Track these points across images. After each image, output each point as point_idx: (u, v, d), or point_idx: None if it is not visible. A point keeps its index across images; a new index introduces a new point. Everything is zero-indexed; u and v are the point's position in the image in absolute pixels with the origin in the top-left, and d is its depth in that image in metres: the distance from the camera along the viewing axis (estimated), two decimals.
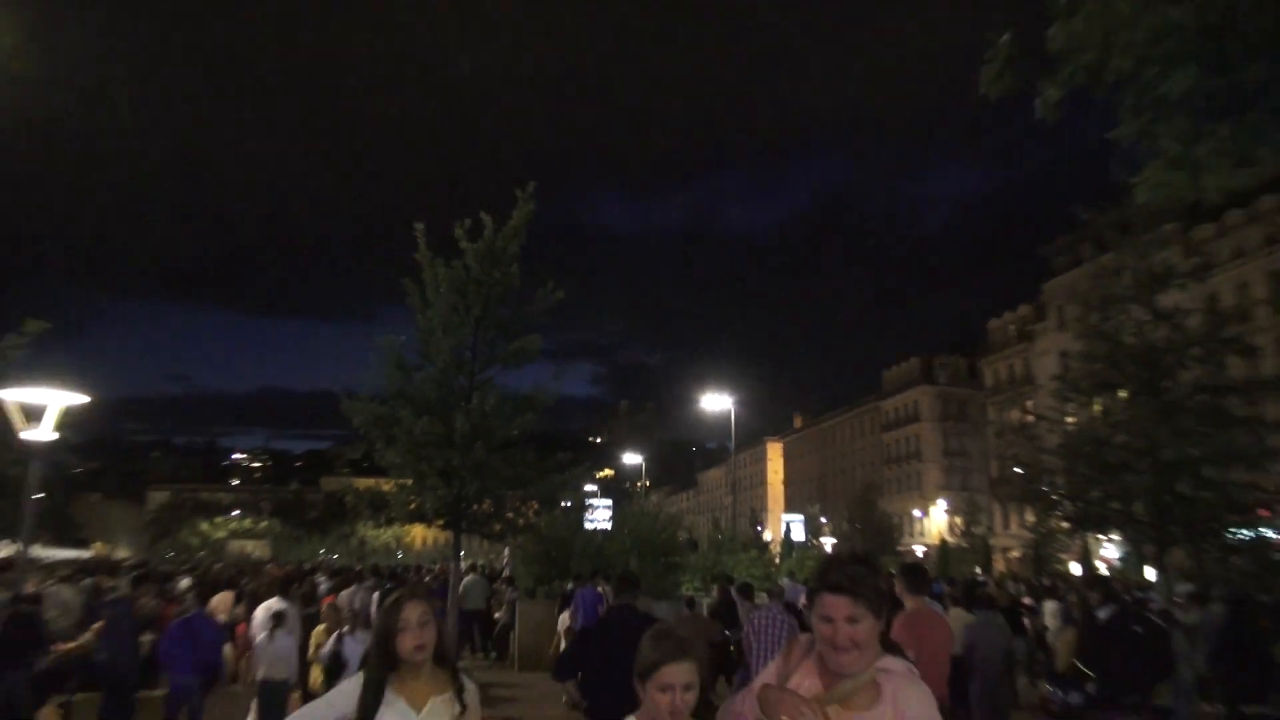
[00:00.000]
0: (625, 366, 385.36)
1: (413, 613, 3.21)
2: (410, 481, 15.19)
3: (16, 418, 11.72)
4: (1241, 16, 4.74)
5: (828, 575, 2.48)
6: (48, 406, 11.81)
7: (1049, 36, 5.41)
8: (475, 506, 15.28)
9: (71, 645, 12.99)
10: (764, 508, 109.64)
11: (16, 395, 11.93)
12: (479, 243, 14.80)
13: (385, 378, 15.18)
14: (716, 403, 39.16)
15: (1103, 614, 8.77)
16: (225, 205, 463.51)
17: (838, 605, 2.40)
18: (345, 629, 10.13)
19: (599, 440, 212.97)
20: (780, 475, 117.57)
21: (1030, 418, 22.44)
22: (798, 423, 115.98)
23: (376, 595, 16.47)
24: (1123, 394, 17.43)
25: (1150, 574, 22.35)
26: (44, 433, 11.83)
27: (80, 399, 12.34)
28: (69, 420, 12.64)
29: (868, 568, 2.49)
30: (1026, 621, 19.02)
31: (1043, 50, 5.46)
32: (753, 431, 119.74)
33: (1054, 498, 17.92)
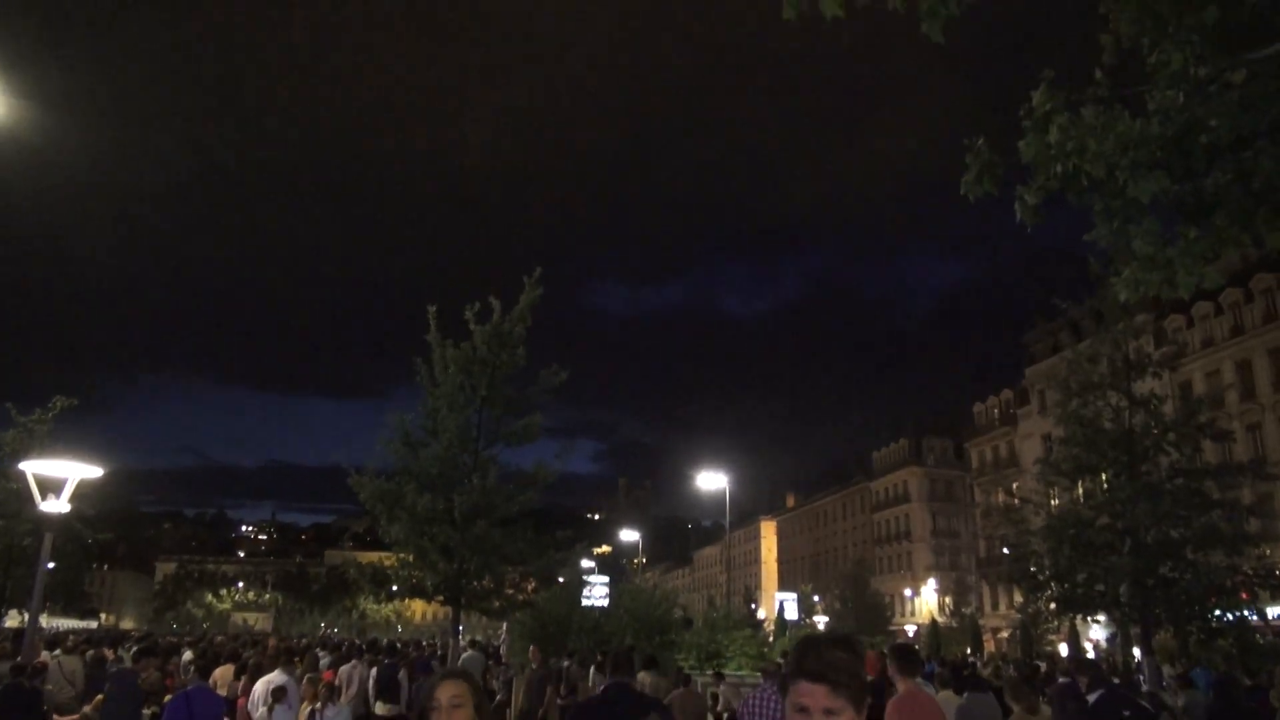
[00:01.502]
0: (624, 444, 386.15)
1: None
2: (412, 556, 15.47)
3: (35, 490, 12.06)
4: (1201, 128, 5.12)
5: (804, 660, 2.19)
6: (66, 479, 12.16)
7: (1020, 148, 5.89)
8: (475, 583, 15.55)
9: (73, 718, 13.11)
10: (758, 585, 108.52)
11: (36, 468, 12.30)
12: (487, 325, 15.40)
13: (392, 454, 15.63)
14: (712, 481, 39.34)
15: (1091, 698, 8.81)
16: (240, 285, 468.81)
17: (815, 694, 2.12)
18: (319, 704, 10.11)
19: (597, 516, 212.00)
20: (774, 553, 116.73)
21: (1015, 500, 22.85)
22: (790, 502, 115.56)
23: (374, 670, 16.55)
24: (1104, 477, 17.89)
25: (1137, 655, 22.54)
26: (60, 505, 12.16)
27: (95, 471, 12.70)
28: (84, 492, 12.97)
29: (849, 652, 2.23)
30: None
31: (1018, 157, 5.86)
32: (747, 510, 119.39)
33: (1040, 579, 18.26)
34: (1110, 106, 5.26)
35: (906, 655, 7.69)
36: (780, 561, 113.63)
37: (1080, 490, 19.14)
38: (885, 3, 5.05)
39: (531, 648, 17.92)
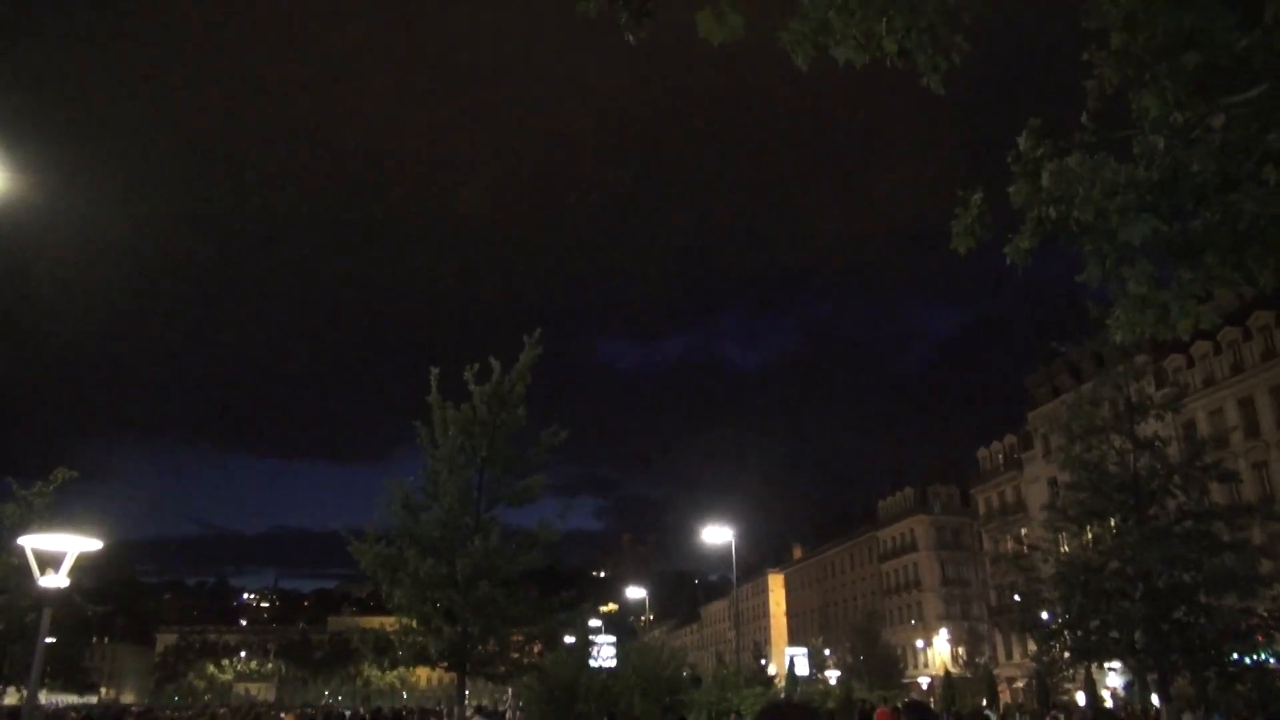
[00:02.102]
0: (628, 500, 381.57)
1: None
2: (415, 622, 15.29)
3: (34, 565, 11.92)
4: (1187, 171, 5.16)
5: None
6: (65, 553, 12.02)
7: (1010, 194, 5.96)
8: (480, 647, 15.33)
9: None
10: (767, 640, 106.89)
11: (35, 542, 12.17)
12: (486, 385, 15.43)
13: (392, 518, 15.54)
14: (717, 535, 39.01)
15: None
16: (240, 349, 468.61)
17: None
18: None
19: (602, 574, 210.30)
20: (782, 607, 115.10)
21: (1024, 548, 22.63)
22: (797, 554, 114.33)
23: None
24: (1112, 521, 17.73)
25: (1156, 702, 22.10)
26: (59, 579, 12.01)
27: (94, 544, 12.56)
28: (83, 564, 12.81)
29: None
30: None
31: (1009, 202, 5.98)
32: (754, 563, 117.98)
33: (1052, 627, 18.00)
34: (1096, 152, 5.33)
35: (920, 713, 7.54)
36: (789, 615, 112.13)
37: (1089, 535, 18.95)
38: (884, 60, 5.12)
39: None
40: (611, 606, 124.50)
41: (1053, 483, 51.82)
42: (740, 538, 40.48)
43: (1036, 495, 58.36)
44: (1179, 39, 5.06)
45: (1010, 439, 69.89)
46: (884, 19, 4.81)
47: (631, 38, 5.02)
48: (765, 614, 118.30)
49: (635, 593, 76.18)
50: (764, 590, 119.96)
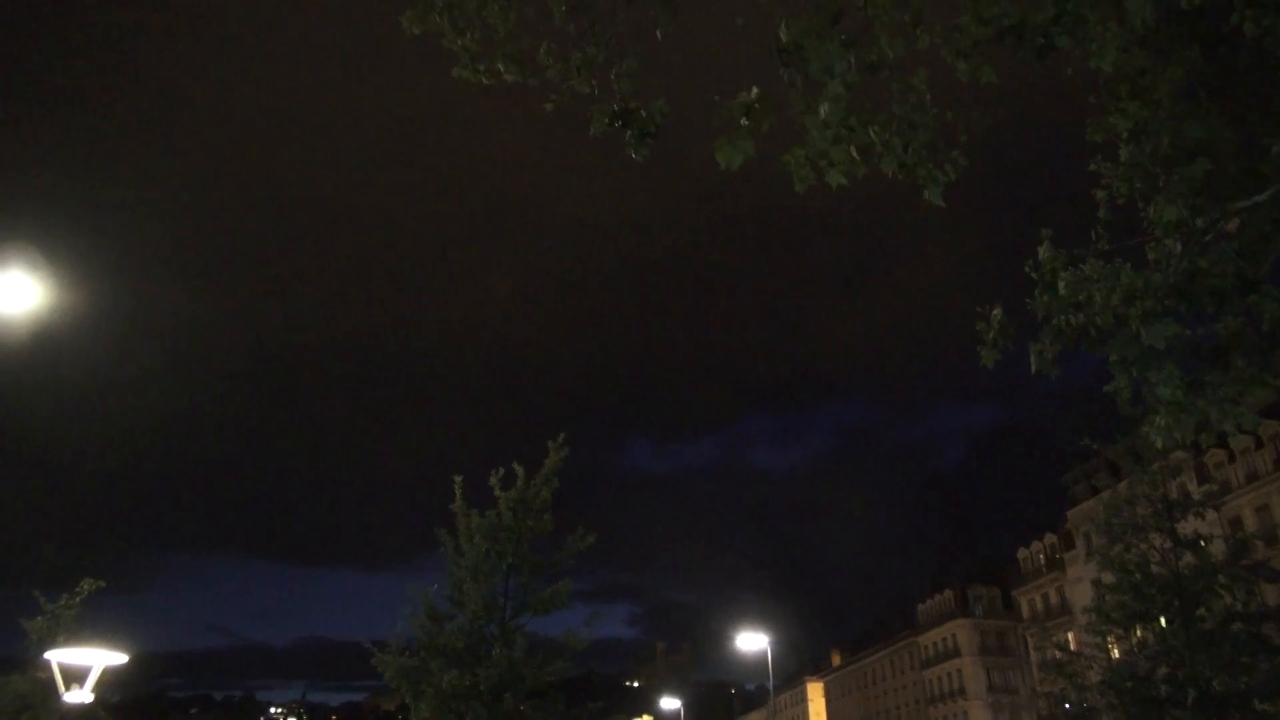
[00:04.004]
0: (661, 605, 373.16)
1: None
2: None
3: (59, 680, 11.83)
4: (1204, 275, 5.20)
5: None
6: (91, 668, 11.95)
7: (1030, 304, 6.00)
8: None
9: None
10: None
11: (61, 656, 12.12)
12: (512, 491, 15.40)
13: (416, 628, 15.35)
14: (752, 641, 37.91)
15: None
16: (266, 459, 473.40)
17: None
18: None
19: (636, 684, 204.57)
20: (823, 717, 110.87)
21: (1071, 652, 21.81)
22: (836, 660, 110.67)
23: None
24: (1161, 622, 17.12)
25: None
26: (84, 695, 11.91)
27: (120, 658, 12.48)
28: (108, 678, 12.72)
29: None
30: None
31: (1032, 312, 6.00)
32: (792, 671, 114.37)
33: None
34: (1111, 259, 5.38)
35: None
36: None
37: (1136, 638, 18.27)
38: (883, 172, 5.24)
39: None
40: (646, 718, 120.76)
41: (1097, 583, 50.24)
42: (777, 644, 39.30)
43: (1080, 596, 56.45)
44: (1187, 149, 5.15)
45: (1050, 538, 68.05)
46: (881, 133, 4.94)
47: (635, 154, 5.19)
48: None
49: (669, 703, 73.71)
50: (803, 699, 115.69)
